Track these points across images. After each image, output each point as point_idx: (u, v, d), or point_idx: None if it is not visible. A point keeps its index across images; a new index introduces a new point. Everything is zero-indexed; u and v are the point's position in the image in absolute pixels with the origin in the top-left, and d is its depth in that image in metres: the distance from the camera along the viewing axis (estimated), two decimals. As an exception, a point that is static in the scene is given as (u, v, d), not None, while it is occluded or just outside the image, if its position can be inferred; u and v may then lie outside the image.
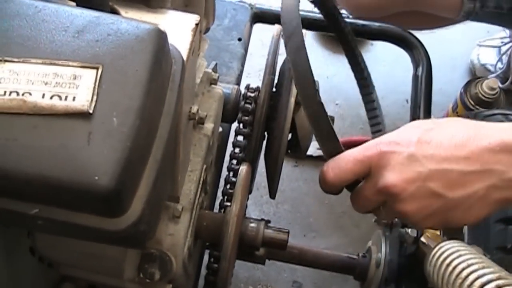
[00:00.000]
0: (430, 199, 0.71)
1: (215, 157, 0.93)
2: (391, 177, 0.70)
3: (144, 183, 0.50)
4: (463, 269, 0.69)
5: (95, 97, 0.47)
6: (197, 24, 0.61)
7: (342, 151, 0.74)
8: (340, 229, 1.50)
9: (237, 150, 0.93)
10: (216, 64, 0.96)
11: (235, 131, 0.93)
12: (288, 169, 1.56)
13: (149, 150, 0.50)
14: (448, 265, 0.72)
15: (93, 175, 0.45)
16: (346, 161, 0.73)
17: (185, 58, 0.58)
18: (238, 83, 1.11)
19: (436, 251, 0.77)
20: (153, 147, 0.51)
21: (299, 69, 0.72)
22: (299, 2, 0.75)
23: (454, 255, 0.73)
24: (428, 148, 0.70)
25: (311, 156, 1.55)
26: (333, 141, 0.74)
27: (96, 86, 0.47)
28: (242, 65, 1.14)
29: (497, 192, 0.69)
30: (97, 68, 0.48)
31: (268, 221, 0.87)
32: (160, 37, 0.51)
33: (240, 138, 0.93)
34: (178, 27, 0.61)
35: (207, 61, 0.95)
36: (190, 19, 0.62)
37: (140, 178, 0.49)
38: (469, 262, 0.69)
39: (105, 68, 0.48)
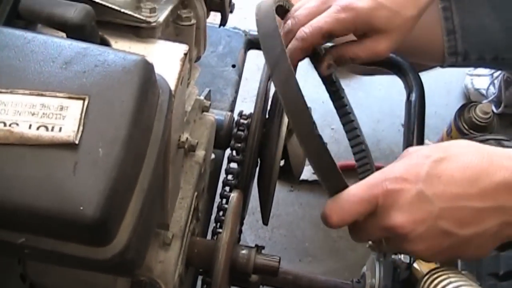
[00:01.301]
0: (440, 238, 0.68)
1: (208, 184, 0.94)
2: (399, 217, 0.67)
3: (130, 212, 0.50)
4: (453, 296, 0.69)
5: (81, 128, 0.48)
6: (185, 54, 0.62)
7: (346, 186, 0.70)
8: (336, 253, 1.50)
9: (230, 177, 0.93)
10: (209, 91, 0.97)
11: (228, 158, 0.93)
12: (283, 193, 1.57)
13: (135, 179, 0.51)
14: (439, 291, 0.72)
15: (79, 205, 0.45)
16: (350, 203, 0.69)
17: (173, 87, 0.59)
18: (232, 110, 1.12)
19: (427, 278, 0.77)
20: (139, 176, 0.51)
21: (291, 103, 0.65)
22: (277, 26, 0.68)
23: (444, 282, 0.73)
24: (438, 184, 0.66)
25: (306, 181, 1.56)
26: (336, 177, 0.69)
27: (83, 117, 0.48)
28: (236, 92, 1.15)
29: (509, 228, 0.67)
30: (83, 99, 0.49)
31: (262, 247, 0.88)
32: (146, 68, 0.51)
33: (233, 165, 0.93)
34: (167, 57, 0.62)
35: (201, 87, 0.96)
36: (179, 49, 0.63)
37: (126, 207, 0.50)
38: (459, 288, 0.69)
39: (91, 99, 0.49)
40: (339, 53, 0.85)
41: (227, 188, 0.92)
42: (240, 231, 1.10)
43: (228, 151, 0.96)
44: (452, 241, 0.68)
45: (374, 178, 0.69)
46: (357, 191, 0.69)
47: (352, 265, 1.46)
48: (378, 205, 0.68)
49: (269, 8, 0.70)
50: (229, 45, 1.17)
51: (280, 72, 0.65)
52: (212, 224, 0.96)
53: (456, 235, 0.67)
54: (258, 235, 1.51)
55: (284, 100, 0.65)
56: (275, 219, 1.54)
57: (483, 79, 1.66)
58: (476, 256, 0.72)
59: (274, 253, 0.85)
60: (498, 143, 1.00)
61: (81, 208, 0.45)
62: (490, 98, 1.61)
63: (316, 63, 0.87)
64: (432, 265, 0.84)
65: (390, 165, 0.71)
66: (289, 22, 0.81)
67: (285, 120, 0.87)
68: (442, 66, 1.22)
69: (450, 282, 0.71)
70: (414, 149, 0.73)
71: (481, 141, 1.02)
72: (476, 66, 1.22)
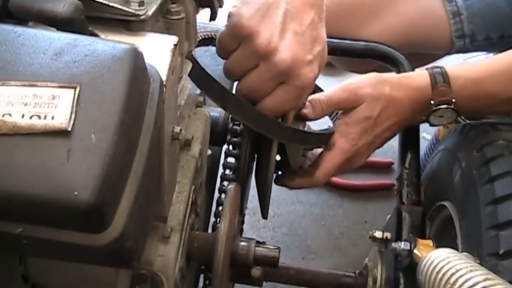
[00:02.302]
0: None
1: (206, 180, 0.94)
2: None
3: (125, 198, 0.51)
4: (452, 274, 0.69)
5: (73, 116, 0.48)
6: (175, 45, 0.63)
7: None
8: (338, 249, 1.50)
9: (227, 171, 0.94)
10: (204, 88, 0.97)
11: (225, 152, 0.94)
12: (283, 192, 1.57)
13: (129, 166, 0.51)
14: (438, 272, 0.73)
15: (73, 191, 0.46)
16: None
17: (164, 77, 0.59)
18: (228, 107, 1.12)
19: (427, 260, 0.78)
20: (133, 163, 0.52)
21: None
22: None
23: (443, 262, 0.73)
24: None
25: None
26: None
27: (74, 105, 0.49)
28: (231, 89, 1.15)
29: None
30: (74, 88, 0.50)
31: (263, 243, 0.88)
32: (136, 56, 0.52)
33: (230, 159, 0.94)
34: (157, 48, 0.62)
35: (195, 86, 0.96)
36: (169, 40, 0.64)
37: (121, 194, 0.50)
38: (457, 267, 0.70)
39: (82, 88, 0.50)
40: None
41: (226, 183, 0.92)
42: (242, 222, 1.10)
43: (225, 147, 0.97)
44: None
45: None
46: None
47: (355, 261, 1.47)
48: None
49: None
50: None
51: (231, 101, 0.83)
52: (212, 220, 0.96)
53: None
54: (260, 234, 1.51)
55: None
56: (276, 218, 1.55)
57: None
58: None
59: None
60: (492, 127, 1.01)
61: (76, 193, 0.46)
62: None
63: None
64: (431, 249, 0.84)
65: None
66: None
67: None
68: (449, 53, 1.23)
69: (449, 262, 0.72)
70: None
71: (475, 126, 1.03)
72: (482, 48, 1.22)
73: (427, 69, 0.98)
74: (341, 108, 0.96)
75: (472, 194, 0.95)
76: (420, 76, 0.97)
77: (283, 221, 1.54)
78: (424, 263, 0.78)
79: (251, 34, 0.77)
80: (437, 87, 0.94)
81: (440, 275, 0.72)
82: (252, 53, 0.79)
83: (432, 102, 0.94)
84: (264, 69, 0.79)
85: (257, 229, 1.51)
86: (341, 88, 0.96)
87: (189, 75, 0.79)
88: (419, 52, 1.21)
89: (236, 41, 0.80)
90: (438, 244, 0.90)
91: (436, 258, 0.76)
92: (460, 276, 0.67)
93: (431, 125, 1.00)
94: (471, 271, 0.67)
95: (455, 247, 0.97)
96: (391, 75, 0.99)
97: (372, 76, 0.97)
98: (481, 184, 0.94)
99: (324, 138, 0.95)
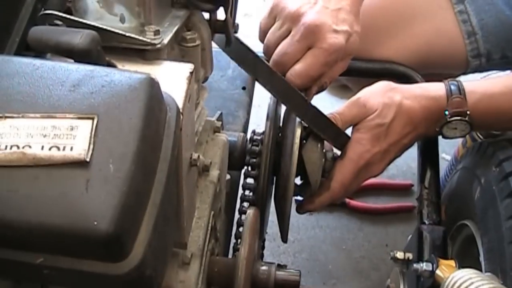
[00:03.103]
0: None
1: (225, 204, 0.95)
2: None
3: (144, 226, 0.51)
4: (475, 296, 0.69)
5: (91, 146, 0.49)
6: (191, 73, 0.64)
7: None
8: (359, 274, 1.49)
9: (247, 192, 0.94)
10: (221, 114, 0.98)
11: (244, 173, 0.94)
12: (303, 217, 1.57)
13: (147, 194, 0.52)
14: (461, 294, 0.72)
15: (93, 221, 0.46)
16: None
17: (181, 105, 0.60)
18: (245, 131, 1.13)
19: (450, 281, 0.77)
20: (151, 191, 0.52)
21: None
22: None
23: (466, 283, 0.73)
24: None
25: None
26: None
27: (92, 136, 0.49)
28: (248, 113, 1.16)
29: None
30: (92, 119, 0.50)
31: (285, 266, 0.88)
32: (152, 85, 0.53)
33: (249, 180, 0.94)
34: (173, 76, 0.63)
35: (213, 111, 0.97)
36: (185, 68, 0.64)
37: (139, 222, 0.51)
38: (481, 288, 0.69)
39: (100, 118, 0.50)
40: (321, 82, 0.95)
41: (245, 204, 0.93)
42: (263, 247, 1.10)
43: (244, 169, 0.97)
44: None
45: None
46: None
47: (377, 285, 1.46)
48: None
49: None
50: (237, 68, 1.18)
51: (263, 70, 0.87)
52: (233, 242, 0.97)
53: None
54: (281, 260, 1.50)
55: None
56: (296, 244, 1.54)
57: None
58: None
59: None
60: (510, 142, 1.01)
61: (95, 223, 0.46)
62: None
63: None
64: (453, 270, 0.83)
65: None
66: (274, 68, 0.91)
67: (298, 133, 0.88)
68: (465, 73, 1.22)
69: (472, 283, 0.71)
70: None
71: (493, 143, 1.02)
72: (499, 67, 1.22)
73: (442, 81, 0.98)
74: (355, 122, 0.96)
75: (493, 209, 0.94)
76: (435, 86, 0.98)
77: (303, 246, 1.53)
78: (447, 284, 0.78)
79: (285, 5, 0.91)
80: (452, 97, 0.94)
81: (462, 296, 0.71)
82: (285, 20, 0.91)
83: (446, 112, 0.93)
84: (294, 31, 0.89)
85: (278, 255, 1.51)
86: (351, 103, 0.97)
87: (225, 47, 0.86)
88: (434, 72, 1.20)
89: (272, 17, 0.94)
90: (461, 264, 0.89)
91: (459, 279, 0.75)
92: (483, 297, 0.67)
93: (444, 137, 0.99)
94: (494, 292, 0.67)
95: (478, 267, 0.96)
96: (402, 85, 0.99)
97: (382, 84, 0.98)
98: (501, 198, 0.93)
99: (342, 137, 0.95)
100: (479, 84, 0.98)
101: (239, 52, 0.89)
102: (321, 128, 0.92)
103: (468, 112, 0.94)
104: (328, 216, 1.59)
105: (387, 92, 0.96)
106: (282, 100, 0.91)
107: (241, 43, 0.88)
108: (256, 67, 0.89)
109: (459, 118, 0.94)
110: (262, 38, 0.96)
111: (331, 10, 0.91)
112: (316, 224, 1.58)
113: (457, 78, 1.04)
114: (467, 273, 0.76)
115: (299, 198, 1.00)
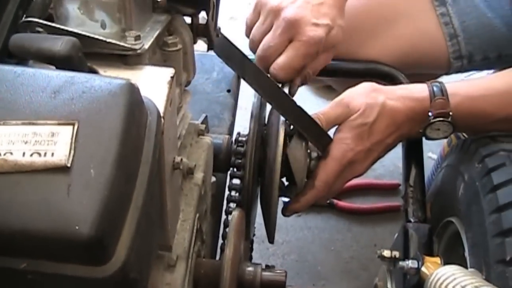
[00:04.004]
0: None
1: (212, 206, 0.95)
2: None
3: (127, 229, 0.52)
4: (457, 292, 0.70)
5: (72, 152, 0.49)
6: (172, 77, 0.64)
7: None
8: (349, 274, 1.50)
9: (233, 193, 0.95)
10: (206, 116, 0.99)
11: (230, 174, 0.95)
12: (291, 219, 1.56)
13: (129, 197, 0.52)
14: (443, 290, 0.73)
15: (74, 225, 0.47)
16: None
17: (162, 109, 0.60)
18: (231, 133, 1.14)
19: (433, 278, 0.78)
20: (133, 194, 0.53)
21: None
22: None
23: (449, 280, 0.74)
24: None
25: (313, 204, 1.57)
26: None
27: (73, 141, 0.50)
28: (233, 115, 1.17)
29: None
30: (73, 124, 0.51)
31: (272, 267, 0.88)
32: (132, 90, 0.53)
33: (235, 181, 0.95)
34: (155, 81, 0.64)
35: (198, 114, 0.98)
36: (166, 73, 0.65)
37: (122, 225, 0.51)
38: (463, 284, 0.70)
39: (81, 124, 0.51)
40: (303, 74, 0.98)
41: (232, 205, 0.93)
42: (251, 249, 1.11)
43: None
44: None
45: None
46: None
47: (366, 285, 1.46)
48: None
49: None
50: (222, 71, 1.20)
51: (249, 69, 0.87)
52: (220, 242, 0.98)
53: None
54: (270, 262, 1.50)
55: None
56: (285, 246, 1.54)
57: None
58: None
59: (287, 279, 0.86)
60: (493, 139, 1.02)
61: (77, 227, 0.47)
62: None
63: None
64: (438, 267, 0.84)
65: None
66: (258, 63, 0.95)
67: (282, 132, 0.89)
68: (447, 74, 1.24)
69: (455, 279, 0.72)
70: None
71: (475, 140, 1.03)
72: (480, 68, 1.23)
73: (425, 82, 0.99)
74: (339, 123, 0.97)
75: (476, 205, 0.95)
76: (418, 87, 0.99)
77: (292, 248, 1.54)
78: (431, 281, 0.79)
79: (267, 1, 0.95)
80: (435, 99, 0.95)
81: (445, 292, 0.72)
82: (267, 15, 0.95)
83: (430, 114, 0.95)
84: (276, 26, 0.93)
85: (267, 257, 1.51)
86: (335, 103, 0.98)
87: (213, 47, 0.88)
88: (418, 72, 1.22)
89: (257, 13, 0.98)
90: (448, 261, 0.90)
91: (443, 276, 0.76)
92: (465, 293, 0.68)
93: (427, 138, 1.01)
94: (476, 287, 0.68)
95: (463, 263, 0.97)
96: (386, 86, 1.00)
97: (366, 85, 0.99)
98: (484, 194, 0.94)
99: (325, 138, 0.95)
100: (461, 86, 0.99)
101: (227, 51, 0.90)
102: (305, 128, 0.93)
103: (450, 113, 0.95)
104: (316, 217, 1.60)
105: (371, 92, 0.97)
106: (267, 99, 0.93)
107: (229, 42, 0.89)
108: (243, 66, 0.90)
109: (442, 119, 0.95)
110: (248, 33, 1.00)
111: (312, 4, 0.95)
112: (304, 225, 1.59)
113: (440, 79, 1.05)
114: (450, 269, 0.77)
115: (285, 199, 1.01)
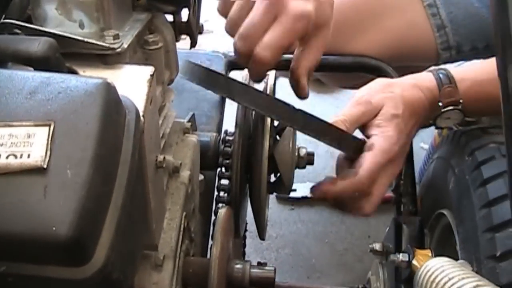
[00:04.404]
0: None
1: (200, 204, 0.95)
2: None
3: (106, 229, 0.51)
4: (445, 283, 0.69)
5: (48, 153, 0.49)
6: (152, 75, 0.64)
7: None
8: (343, 266, 1.50)
9: (222, 193, 0.95)
10: (193, 114, 0.99)
11: (218, 175, 0.94)
12: (285, 213, 1.57)
13: (107, 197, 0.52)
14: (432, 281, 0.73)
15: (51, 226, 0.46)
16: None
17: (141, 108, 0.60)
18: (219, 131, 1.13)
19: (423, 270, 0.78)
20: (112, 194, 0.52)
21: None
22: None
23: (437, 271, 0.74)
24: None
25: (306, 198, 1.57)
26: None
27: (49, 142, 0.50)
28: (222, 113, 1.17)
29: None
30: (49, 125, 0.50)
31: (265, 264, 0.88)
32: (108, 89, 0.53)
33: (223, 182, 0.95)
34: (134, 80, 0.63)
35: (186, 112, 0.98)
36: (145, 71, 0.64)
37: (101, 225, 0.51)
38: (450, 275, 0.70)
39: (57, 124, 0.50)
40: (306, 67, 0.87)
41: (220, 205, 0.93)
42: (244, 245, 1.11)
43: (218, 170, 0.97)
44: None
45: None
46: None
47: (361, 277, 1.45)
48: None
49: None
50: (210, 68, 1.19)
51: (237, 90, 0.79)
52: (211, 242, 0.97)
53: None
54: (264, 256, 1.51)
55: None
56: (279, 239, 1.55)
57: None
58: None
59: (282, 273, 0.85)
60: (483, 131, 1.01)
61: (54, 228, 0.46)
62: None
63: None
64: (429, 259, 0.84)
65: None
66: (240, 44, 0.81)
67: (267, 130, 0.88)
68: (436, 64, 1.24)
69: (443, 271, 0.72)
70: None
71: (466, 132, 1.03)
72: (469, 58, 1.23)
73: (430, 71, 0.98)
74: (364, 122, 0.94)
75: (467, 199, 0.95)
76: (425, 77, 0.98)
77: (286, 242, 1.54)
78: (420, 273, 0.78)
79: None
80: (443, 88, 0.94)
81: (434, 284, 0.72)
82: None
83: (440, 103, 0.94)
84: (259, 2, 0.79)
85: (261, 252, 1.51)
86: (356, 102, 0.96)
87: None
88: (406, 65, 1.22)
89: None
90: (441, 253, 0.90)
91: (432, 268, 0.76)
92: (452, 285, 0.67)
93: (437, 127, 1.00)
94: (463, 278, 0.67)
95: (456, 256, 0.97)
96: (396, 79, 1.00)
97: (379, 81, 0.99)
98: (474, 188, 0.94)
99: (348, 138, 0.90)
100: (467, 71, 0.99)
101: (207, 77, 0.83)
102: (318, 133, 0.85)
103: (460, 101, 0.94)
104: (309, 210, 1.60)
105: (386, 87, 0.97)
106: (265, 113, 0.85)
107: (207, 69, 0.83)
108: (229, 87, 0.82)
109: (452, 107, 0.94)
110: (224, 12, 0.85)
111: None
112: (298, 218, 1.59)
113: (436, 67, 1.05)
114: (439, 261, 0.76)
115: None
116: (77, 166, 0.49)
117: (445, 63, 1.22)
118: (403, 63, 1.21)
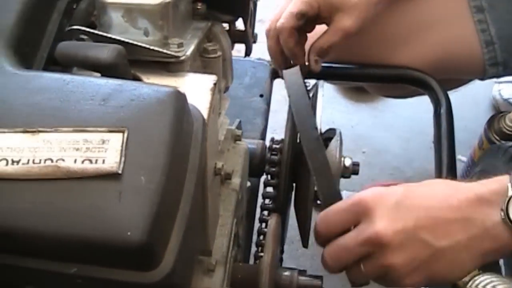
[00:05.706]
0: (419, 248, 0.70)
1: (246, 211, 0.96)
2: (381, 224, 0.69)
3: (174, 236, 0.52)
4: (498, 300, 0.69)
5: (123, 159, 0.50)
6: (215, 84, 0.65)
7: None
8: (379, 276, 1.49)
9: (267, 201, 0.95)
10: (240, 122, 1.00)
11: (264, 182, 0.95)
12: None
13: (177, 204, 0.53)
14: (483, 298, 0.73)
15: (126, 231, 0.48)
16: (334, 212, 0.75)
17: (205, 116, 0.61)
18: (263, 138, 1.14)
19: (470, 285, 0.78)
20: (180, 201, 0.54)
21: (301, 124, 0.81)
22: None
23: (488, 287, 0.73)
24: (414, 197, 0.72)
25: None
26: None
27: (123, 148, 0.51)
28: (266, 120, 1.18)
29: (478, 242, 0.70)
30: (123, 132, 0.52)
31: (304, 271, 0.89)
32: (179, 98, 0.54)
33: (269, 189, 0.96)
34: (197, 88, 0.65)
35: (231, 119, 0.98)
36: (208, 80, 0.66)
37: (170, 232, 0.52)
38: (500, 289, 0.70)
39: (130, 131, 0.52)
40: (317, 47, 0.97)
41: (265, 212, 0.94)
42: (282, 251, 1.11)
43: (264, 178, 0.98)
44: (428, 254, 0.70)
45: (356, 194, 0.74)
46: (341, 203, 0.75)
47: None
48: (359, 214, 0.72)
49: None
50: (255, 76, 1.20)
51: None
52: (254, 249, 0.98)
53: (432, 246, 0.70)
54: (299, 263, 1.50)
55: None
56: (315, 246, 1.54)
57: (511, 87, 1.66)
58: (450, 274, 0.73)
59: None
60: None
61: (129, 233, 0.48)
62: (521, 107, 1.61)
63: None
64: (475, 273, 0.84)
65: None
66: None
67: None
68: (482, 79, 1.23)
69: (494, 286, 0.72)
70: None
71: (510, 147, 1.03)
72: None
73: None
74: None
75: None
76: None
77: (321, 249, 1.54)
78: (469, 286, 0.78)
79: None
80: None
81: (485, 300, 0.72)
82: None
83: None
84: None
85: (296, 258, 1.51)
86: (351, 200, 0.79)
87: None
88: (451, 78, 1.22)
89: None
90: (484, 269, 0.89)
91: (481, 283, 0.76)
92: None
93: None
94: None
95: (499, 271, 0.97)
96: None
97: None
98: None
99: None
100: None
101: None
102: None
103: None
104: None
105: None
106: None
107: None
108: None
109: None
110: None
111: None
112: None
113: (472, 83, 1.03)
114: (489, 277, 0.76)
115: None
116: (150, 173, 0.50)
117: (491, 77, 1.21)
118: (447, 76, 1.21)
